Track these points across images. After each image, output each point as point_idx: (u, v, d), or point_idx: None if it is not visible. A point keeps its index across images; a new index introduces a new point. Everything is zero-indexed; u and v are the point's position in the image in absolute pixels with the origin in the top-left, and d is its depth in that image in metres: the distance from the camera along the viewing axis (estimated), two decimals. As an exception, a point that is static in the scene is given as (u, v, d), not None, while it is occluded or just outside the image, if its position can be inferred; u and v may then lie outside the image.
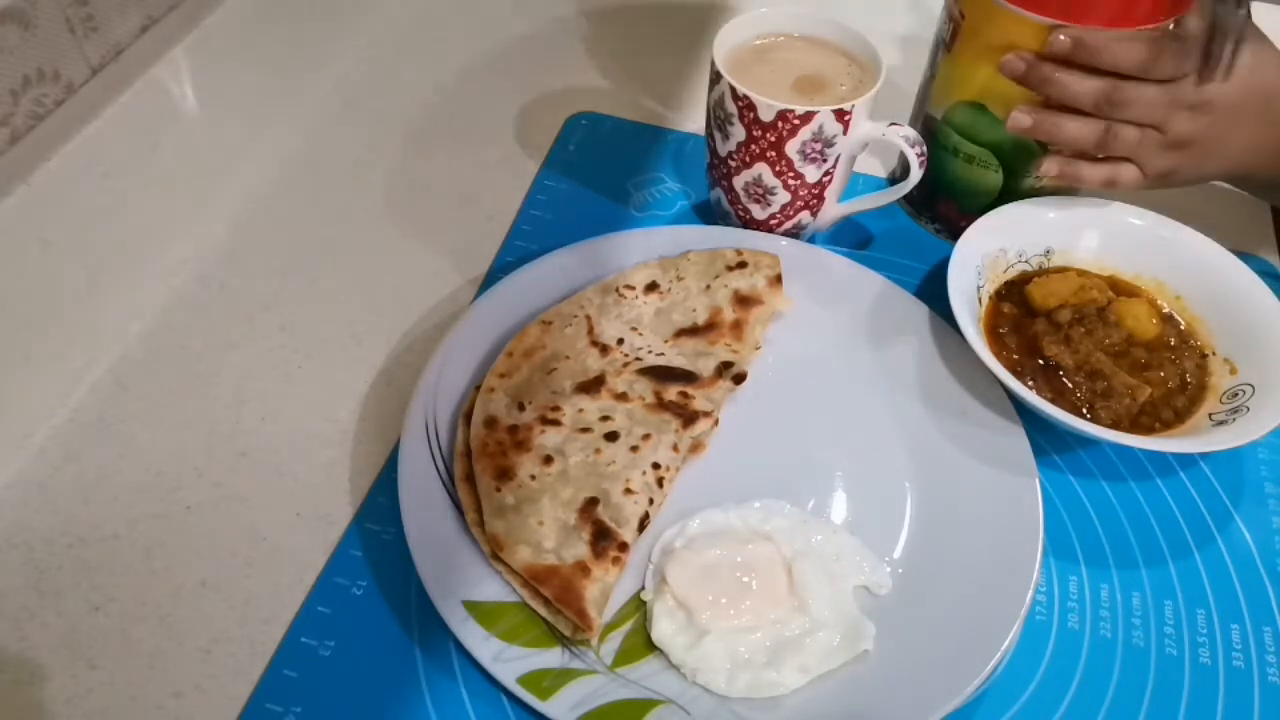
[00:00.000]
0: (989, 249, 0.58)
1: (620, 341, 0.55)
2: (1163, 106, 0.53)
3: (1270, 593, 0.49)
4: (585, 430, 0.50)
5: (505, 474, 0.48)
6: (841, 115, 0.55)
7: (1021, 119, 0.55)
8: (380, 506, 0.50)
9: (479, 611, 0.44)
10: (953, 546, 0.48)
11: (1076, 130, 0.54)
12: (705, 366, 0.54)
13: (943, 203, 0.64)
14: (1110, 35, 0.51)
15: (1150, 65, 0.52)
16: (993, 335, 0.56)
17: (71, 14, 0.56)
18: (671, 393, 0.52)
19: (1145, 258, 0.59)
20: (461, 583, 0.45)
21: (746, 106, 0.55)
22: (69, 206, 0.55)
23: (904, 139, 0.57)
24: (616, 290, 0.57)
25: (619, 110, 0.74)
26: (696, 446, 0.52)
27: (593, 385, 0.53)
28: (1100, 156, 0.56)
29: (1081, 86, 0.53)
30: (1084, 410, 0.52)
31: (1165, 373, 0.54)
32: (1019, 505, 0.49)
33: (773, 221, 0.61)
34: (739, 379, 0.54)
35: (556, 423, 0.51)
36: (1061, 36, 0.52)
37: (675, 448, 0.50)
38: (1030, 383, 0.53)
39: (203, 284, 0.61)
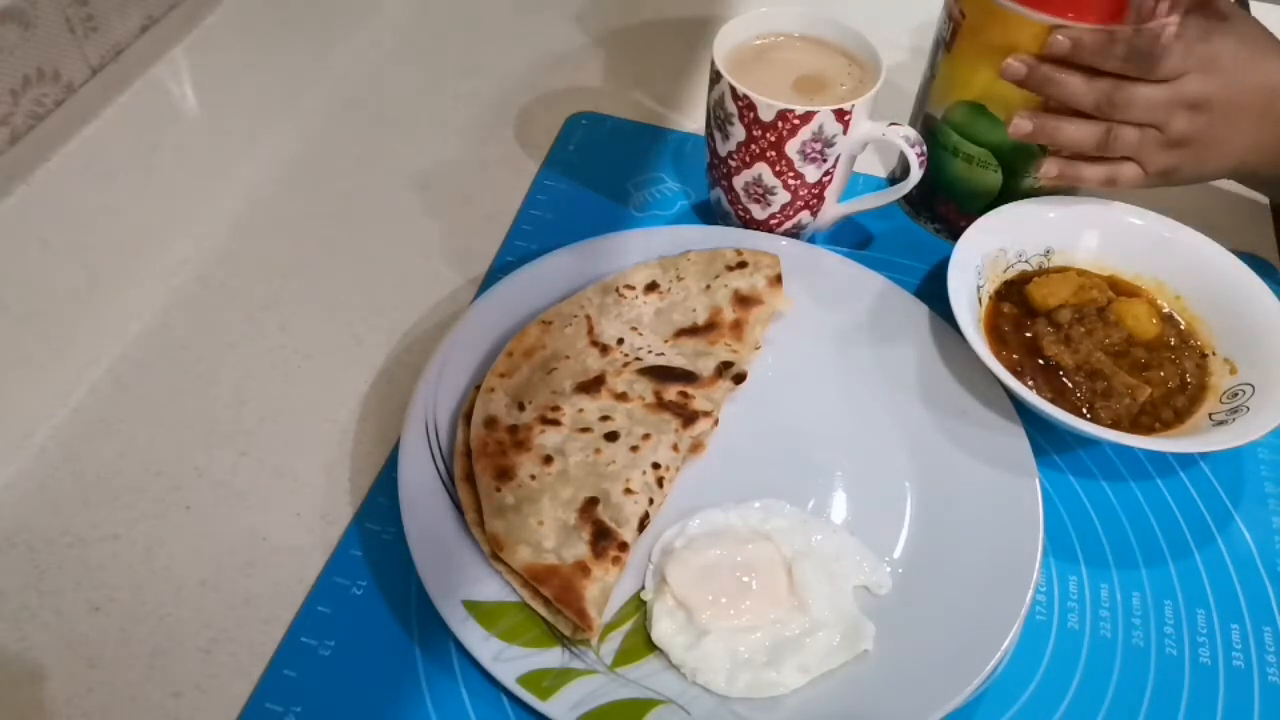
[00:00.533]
0: (989, 249, 0.58)
1: (620, 341, 0.55)
2: (1162, 106, 0.53)
3: (1270, 593, 0.49)
4: (585, 430, 0.50)
5: (505, 474, 0.48)
6: (841, 115, 0.55)
7: (1022, 125, 0.55)
8: (380, 506, 0.50)
9: (479, 611, 0.44)
10: (953, 546, 0.48)
11: (1076, 132, 0.54)
12: (705, 366, 0.54)
13: (943, 203, 0.64)
14: (1109, 34, 0.51)
15: (1149, 65, 0.52)
16: (993, 335, 0.56)
17: (71, 14, 0.56)
18: (671, 393, 0.52)
19: (1145, 258, 0.59)
20: (461, 582, 0.45)
21: (746, 106, 0.55)
22: (69, 206, 0.55)
23: (904, 139, 0.57)
24: (616, 290, 0.57)
25: (619, 110, 0.74)
26: (696, 446, 0.52)
27: (593, 385, 0.53)
28: (1100, 157, 0.56)
29: (1082, 87, 0.53)
30: (1084, 410, 0.52)
31: (1165, 373, 0.54)
32: (1019, 505, 0.49)
33: (773, 221, 0.61)
34: (739, 379, 0.54)
35: (556, 423, 0.51)
36: (1060, 37, 0.52)
37: (675, 448, 0.50)
38: (1030, 383, 0.53)
39: (203, 284, 0.61)
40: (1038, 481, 0.49)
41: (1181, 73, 0.52)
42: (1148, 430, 0.52)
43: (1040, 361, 0.54)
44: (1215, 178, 0.59)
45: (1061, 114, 0.55)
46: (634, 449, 0.50)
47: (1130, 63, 0.52)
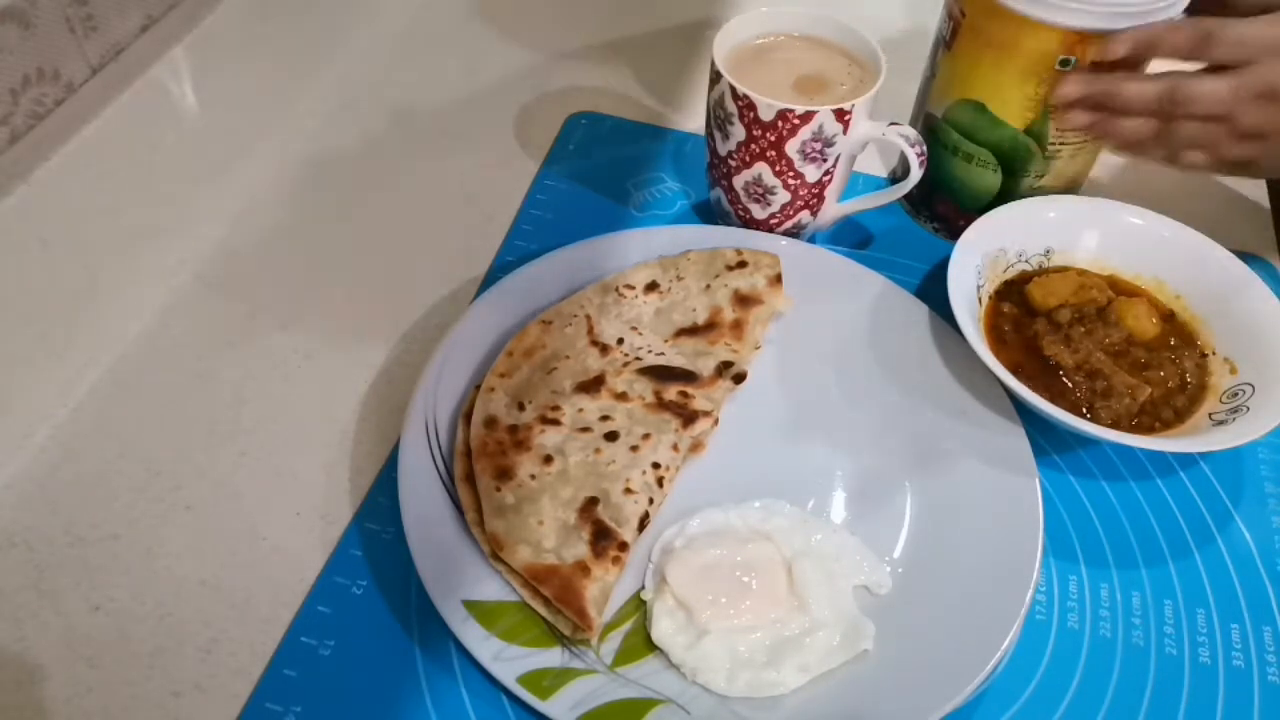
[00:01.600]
0: (989, 249, 0.58)
1: (620, 341, 0.55)
2: (1227, 99, 0.51)
3: (1270, 593, 0.49)
4: (585, 430, 0.50)
5: (505, 474, 0.48)
6: (841, 115, 0.55)
7: (1078, 118, 0.54)
8: (380, 506, 0.50)
9: (479, 611, 0.44)
10: (953, 546, 0.48)
11: (1132, 126, 0.53)
12: (705, 366, 0.54)
13: (942, 202, 0.64)
14: (1161, 26, 0.50)
15: (1203, 48, 0.50)
16: (993, 335, 0.56)
17: (71, 14, 0.56)
18: (671, 392, 0.52)
19: (1145, 258, 0.59)
20: (461, 582, 0.45)
21: (746, 106, 0.55)
22: (69, 206, 0.55)
23: (904, 139, 0.57)
24: (616, 290, 0.57)
25: (619, 110, 0.74)
26: (696, 446, 0.52)
27: (593, 385, 0.53)
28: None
29: (1142, 91, 0.52)
30: (1084, 410, 0.52)
31: (1165, 373, 0.54)
32: (1019, 505, 0.49)
33: (773, 221, 0.61)
34: (739, 379, 0.54)
35: (556, 422, 0.51)
36: (1117, 41, 0.51)
37: (675, 447, 0.50)
38: (1030, 383, 0.53)
39: (203, 284, 0.61)
40: (1038, 481, 0.49)
41: (1246, 60, 0.50)
42: (1148, 430, 0.52)
43: (1040, 361, 0.54)
44: None
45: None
46: (634, 449, 0.50)
47: (1185, 48, 0.50)
